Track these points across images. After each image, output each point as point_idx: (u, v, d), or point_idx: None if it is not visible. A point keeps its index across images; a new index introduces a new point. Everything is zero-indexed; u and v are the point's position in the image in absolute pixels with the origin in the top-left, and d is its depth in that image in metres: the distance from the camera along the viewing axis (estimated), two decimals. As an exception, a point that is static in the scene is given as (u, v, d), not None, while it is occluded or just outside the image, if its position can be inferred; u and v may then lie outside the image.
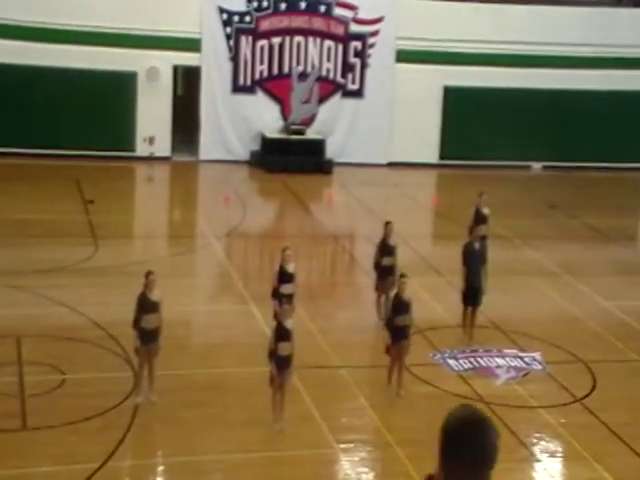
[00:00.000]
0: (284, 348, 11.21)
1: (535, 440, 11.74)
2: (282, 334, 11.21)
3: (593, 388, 13.26)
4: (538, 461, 11.32)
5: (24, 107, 24.69)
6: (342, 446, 11.29)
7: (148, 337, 11.59)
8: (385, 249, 15.00)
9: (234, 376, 12.95)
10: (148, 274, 11.77)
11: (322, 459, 11.03)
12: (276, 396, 11.37)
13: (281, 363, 11.24)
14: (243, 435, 11.31)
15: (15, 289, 15.48)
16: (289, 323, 11.34)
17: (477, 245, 14.97)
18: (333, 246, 20.33)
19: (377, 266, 15.07)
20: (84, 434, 11.04)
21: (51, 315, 14.62)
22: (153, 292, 11.66)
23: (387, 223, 15.16)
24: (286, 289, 13.41)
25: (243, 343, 13.96)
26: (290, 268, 13.53)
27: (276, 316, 13.50)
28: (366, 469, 10.91)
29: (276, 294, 13.47)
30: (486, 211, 17.57)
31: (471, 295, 14.67)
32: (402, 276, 12.86)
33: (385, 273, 14.97)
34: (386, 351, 12.59)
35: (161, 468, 10.75)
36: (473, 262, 14.71)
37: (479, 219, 17.28)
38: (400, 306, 12.52)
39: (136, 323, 11.62)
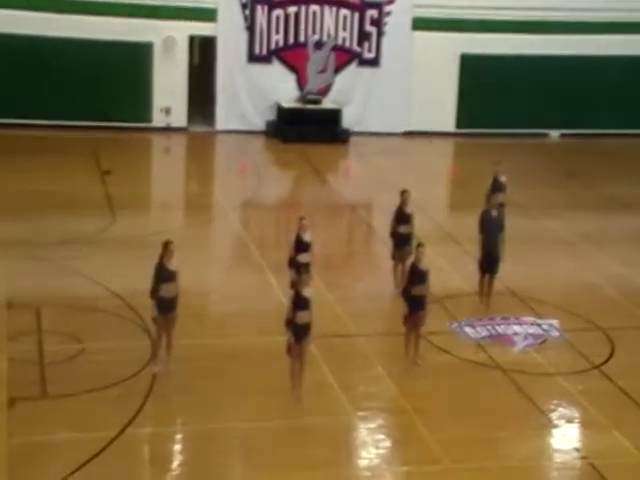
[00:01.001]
0: (302, 317, 11.24)
1: (553, 407, 11.74)
2: (300, 303, 11.24)
3: (611, 355, 13.24)
4: (556, 427, 11.33)
5: (40, 79, 24.70)
6: (359, 414, 11.34)
7: (166, 306, 11.64)
8: (402, 217, 14.96)
9: (252, 345, 13.00)
10: (167, 243, 11.77)
11: (339, 426, 11.08)
12: (294, 365, 11.42)
13: (299, 332, 11.28)
14: (261, 403, 11.37)
15: (34, 260, 15.57)
16: (307, 292, 11.35)
17: (494, 213, 14.91)
18: (350, 216, 20.30)
19: (394, 234, 15.04)
20: (103, 402, 11.13)
21: (69, 285, 14.70)
22: (171, 261, 11.67)
23: (404, 191, 15.10)
24: (303, 258, 13.43)
25: (260, 312, 14.01)
26: (306, 237, 13.54)
27: (293, 285, 13.51)
28: (383, 436, 10.96)
29: (293, 263, 13.49)
30: (503, 179, 17.48)
31: (488, 263, 14.63)
32: (419, 245, 12.80)
33: (402, 242, 14.94)
34: (404, 321, 12.60)
35: (179, 436, 10.83)
36: (490, 230, 14.66)
37: (497, 187, 17.20)
38: (417, 276, 12.50)
39: (154, 292, 11.65)
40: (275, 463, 10.17)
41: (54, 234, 16.88)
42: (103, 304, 13.96)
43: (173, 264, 11.66)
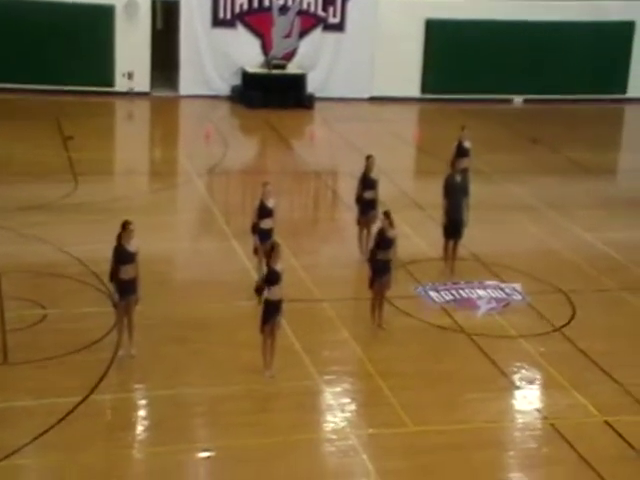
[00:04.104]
0: (275, 293, 11.12)
1: (515, 369, 11.87)
2: (272, 277, 11.08)
3: (572, 318, 13.39)
4: (518, 389, 11.46)
5: (1, 40, 24.25)
6: (325, 377, 11.38)
7: (126, 289, 11.29)
8: (367, 183, 14.95)
9: (217, 312, 12.97)
10: (125, 224, 11.28)
11: (305, 390, 11.12)
12: (266, 342, 11.30)
13: (271, 308, 11.17)
14: (225, 369, 11.37)
15: (-5, 226, 15.40)
16: (279, 266, 11.19)
17: (458, 178, 14.94)
18: (315, 182, 20.25)
19: (359, 200, 15.04)
20: (66, 369, 11.06)
21: (32, 251, 14.54)
22: (130, 242, 11.25)
23: (368, 157, 15.08)
24: (265, 224, 13.36)
25: (225, 279, 13.98)
26: (270, 203, 13.46)
27: (255, 251, 13.48)
28: (348, 399, 11.01)
29: (255, 229, 13.42)
30: (468, 144, 17.51)
31: (452, 228, 14.68)
32: (386, 213, 12.71)
33: (367, 207, 14.94)
34: (369, 285, 12.63)
35: (143, 402, 10.81)
36: (454, 195, 14.69)
37: (461, 152, 17.24)
38: (384, 242, 12.52)
39: (113, 275, 11.29)
40: (240, 428, 10.19)
41: (15, 200, 16.67)
42: (66, 270, 13.84)
43: (132, 245, 11.27)
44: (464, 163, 16.66)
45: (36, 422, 9.89)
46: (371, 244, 13.20)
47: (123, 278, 11.25)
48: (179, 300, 13.27)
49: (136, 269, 11.32)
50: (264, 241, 13.08)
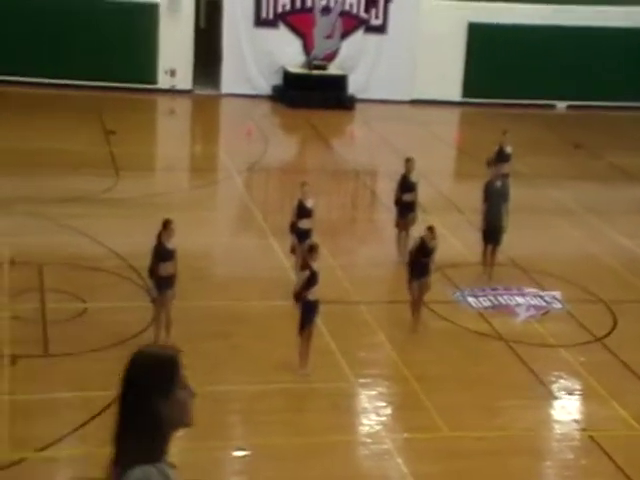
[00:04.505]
0: (314, 294, 11.11)
1: (554, 378, 11.76)
2: (312, 279, 11.07)
3: (613, 327, 13.23)
4: (556, 398, 11.35)
5: (47, 38, 24.52)
6: (360, 380, 11.34)
7: (164, 284, 11.41)
8: (406, 185, 14.89)
9: (254, 308, 12.99)
10: (166, 223, 11.43)
11: (340, 392, 11.09)
12: (304, 343, 11.25)
13: (310, 309, 11.12)
14: (263, 367, 11.37)
15: (37, 217, 15.52)
16: (315, 265, 11.17)
17: (499, 183, 14.82)
18: (354, 182, 20.22)
19: (398, 202, 14.98)
20: (104, 362, 11.08)
21: (73, 244, 14.66)
22: (170, 240, 11.38)
23: (408, 159, 15.02)
24: (304, 224, 13.36)
25: (263, 276, 13.99)
26: (309, 203, 13.46)
27: (293, 250, 13.47)
28: (383, 403, 10.97)
29: (294, 229, 13.42)
30: (509, 149, 17.39)
31: (491, 233, 14.57)
32: (430, 228, 12.64)
33: (406, 209, 14.89)
34: (408, 287, 12.58)
35: (180, 397, 10.83)
36: (494, 200, 14.58)
37: (502, 157, 17.11)
38: (424, 250, 12.47)
39: (153, 272, 11.40)
40: (275, 427, 10.19)
41: (57, 192, 16.82)
42: (105, 264, 13.93)
43: (172, 243, 11.40)
44: (505, 168, 16.53)
45: (75, 414, 9.97)
46: (410, 246, 13.14)
47: (162, 275, 11.34)
48: (217, 296, 13.31)
49: (175, 266, 11.43)
50: (302, 241, 13.10)
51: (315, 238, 13.38)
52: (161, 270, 11.35)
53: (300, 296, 11.14)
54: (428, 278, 12.57)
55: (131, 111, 23.47)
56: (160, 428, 3.62)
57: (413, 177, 14.96)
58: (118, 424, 3.60)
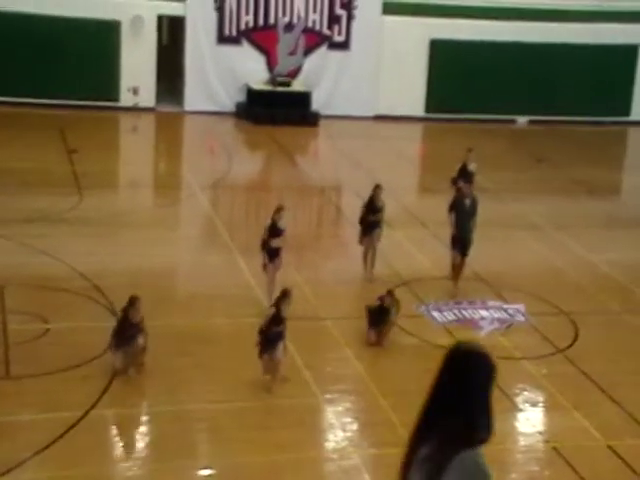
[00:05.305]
0: (276, 329, 11.24)
1: (518, 391, 11.83)
2: (277, 319, 11.22)
3: (575, 339, 13.36)
4: (520, 411, 11.42)
5: (7, 54, 24.36)
6: (327, 396, 11.34)
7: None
8: (372, 208, 14.90)
9: (219, 327, 12.95)
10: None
11: (306, 408, 11.08)
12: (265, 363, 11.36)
13: (269, 343, 11.23)
14: (227, 385, 11.34)
15: (-2, 238, 15.39)
16: (285, 309, 11.25)
17: (468, 202, 14.84)
18: (319, 198, 20.27)
19: (362, 222, 14.99)
20: (68, 383, 11.04)
21: (35, 264, 14.54)
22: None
23: (377, 186, 15.03)
24: (275, 242, 13.42)
25: (228, 294, 13.96)
26: (282, 224, 13.50)
27: (265, 268, 13.49)
28: (350, 418, 10.97)
29: (265, 246, 13.48)
30: (473, 167, 17.49)
31: (460, 243, 14.60)
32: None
33: (370, 227, 14.90)
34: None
35: (145, 417, 10.78)
36: (463, 217, 14.62)
37: (464, 174, 17.22)
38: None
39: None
40: (242, 444, 10.14)
41: (19, 212, 16.67)
42: (69, 284, 13.82)
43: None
44: (470, 188, 16.57)
45: (37, 436, 9.85)
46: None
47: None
48: (182, 314, 13.25)
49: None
50: (272, 259, 13.38)
51: (283, 254, 13.45)
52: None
53: (264, 332, 11.20)
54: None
55: (94, 129, 23.36)
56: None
57: (380, 202, 14.94)
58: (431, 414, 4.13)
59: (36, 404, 10.52)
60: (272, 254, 13.39)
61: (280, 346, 11.24)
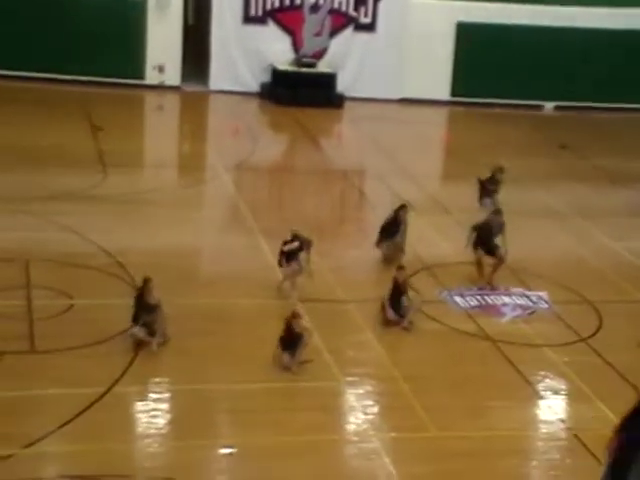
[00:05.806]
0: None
1: (539, 378, 11.79)
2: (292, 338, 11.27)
3: (599, 328, 13.29)
4: (542, 398, 11.39)
5: (33, 32, 24.41)
6: (348, 379, 11.34)
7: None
8: (393, 226, 14.81)
9: (240, 307, 12.97)
10: (146, 281, 11.52)
11: (327, 391, 11.09)
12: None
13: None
14: (248, 365, 11.36)
15: (24, 214, 15.45)
16: (299, 326, 11.29)
17: (499, 219, 14.69)
18: (342, 181, 20.22)
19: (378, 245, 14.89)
20: (91, 359, 11.10)
21: (60, 241, 14.60)
22: (152, 295, 11.53)
23: (403, 205, 14.92)
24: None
25: (250, 275, 13.96)
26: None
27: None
28: (371, 402, 10.98)
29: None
30: (499, 178, 17.34)
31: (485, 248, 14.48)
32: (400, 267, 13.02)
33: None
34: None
35: (167, 395, 10.83)
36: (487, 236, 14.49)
37: (492, 184, 17.16)
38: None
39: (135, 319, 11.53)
40: (262, 426, 10.17)
41: (44, 189, 16.74)
42: (92, 261, 13.88)
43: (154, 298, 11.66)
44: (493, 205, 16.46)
45: (61, 411, 9.92)
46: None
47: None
48: (204, 294, 13.28)
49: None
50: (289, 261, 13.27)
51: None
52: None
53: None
54: None
55: (119, 107, 23.39)
56: None
57: (402, 225, 14.80)
58: None
59: (60, 379, 10.59)
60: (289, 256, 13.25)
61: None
